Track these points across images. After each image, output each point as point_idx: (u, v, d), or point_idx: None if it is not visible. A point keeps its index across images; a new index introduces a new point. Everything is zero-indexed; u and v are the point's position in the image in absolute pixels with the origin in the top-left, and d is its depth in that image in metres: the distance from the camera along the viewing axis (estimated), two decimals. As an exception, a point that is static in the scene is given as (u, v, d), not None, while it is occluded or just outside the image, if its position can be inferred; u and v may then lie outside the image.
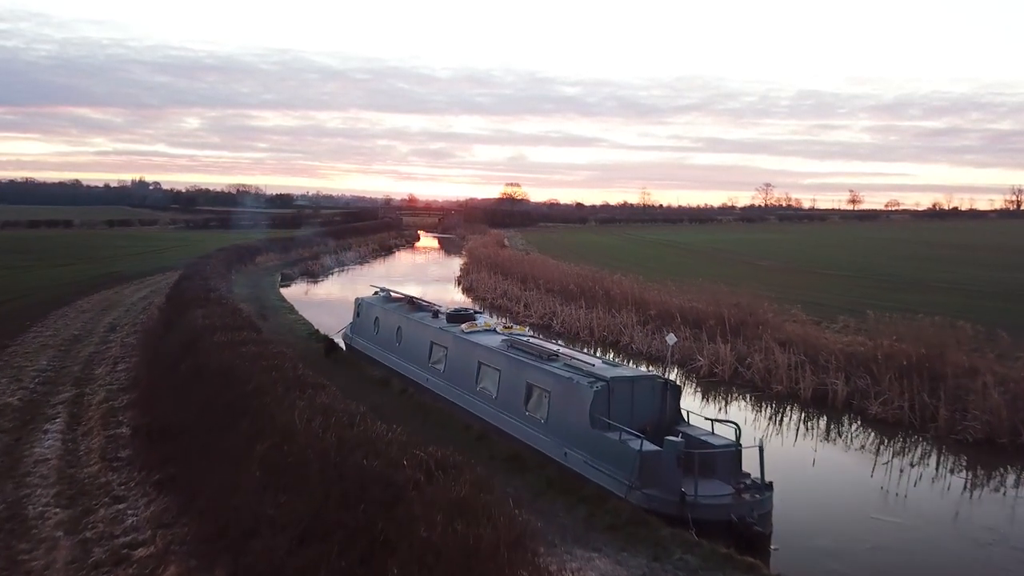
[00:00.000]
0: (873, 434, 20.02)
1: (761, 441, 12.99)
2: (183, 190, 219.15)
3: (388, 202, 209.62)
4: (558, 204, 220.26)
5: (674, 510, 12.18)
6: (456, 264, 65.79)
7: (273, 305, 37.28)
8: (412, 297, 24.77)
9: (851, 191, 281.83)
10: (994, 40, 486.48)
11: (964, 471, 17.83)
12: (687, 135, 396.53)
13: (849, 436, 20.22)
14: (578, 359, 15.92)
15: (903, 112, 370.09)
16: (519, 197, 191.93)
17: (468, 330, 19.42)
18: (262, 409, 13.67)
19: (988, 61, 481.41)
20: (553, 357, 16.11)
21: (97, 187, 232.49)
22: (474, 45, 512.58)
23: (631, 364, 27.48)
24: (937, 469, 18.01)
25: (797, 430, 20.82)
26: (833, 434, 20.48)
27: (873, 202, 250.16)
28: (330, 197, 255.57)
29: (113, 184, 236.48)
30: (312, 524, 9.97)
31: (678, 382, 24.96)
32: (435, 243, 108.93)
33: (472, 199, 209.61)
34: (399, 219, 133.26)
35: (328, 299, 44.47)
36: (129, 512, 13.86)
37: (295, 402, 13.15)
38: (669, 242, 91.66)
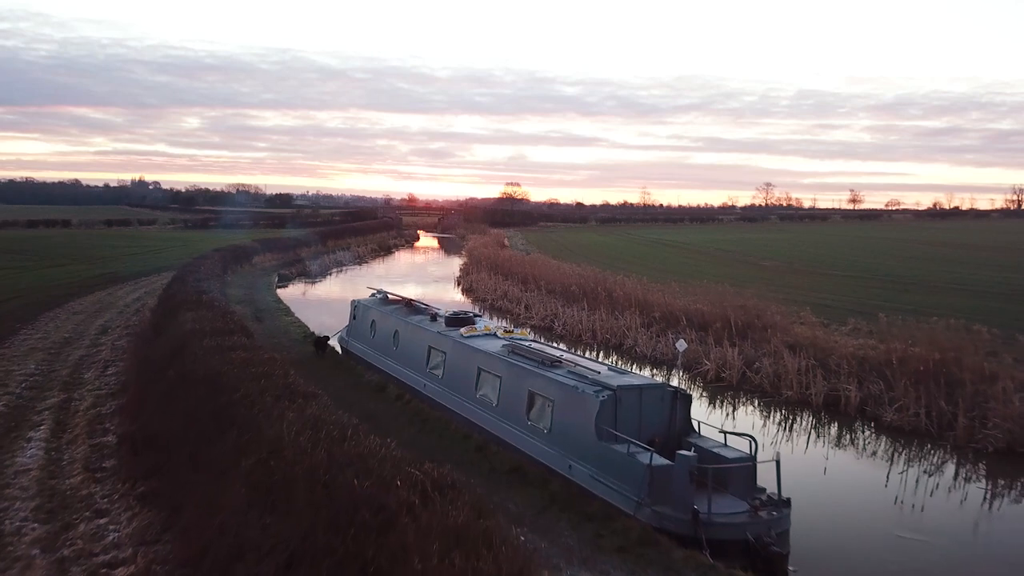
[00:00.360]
0: (889, 442, 19.28)
1: (778, 454, 12.23)
2: (183, 190, 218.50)
3: (388, 202, 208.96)
4: (558, 204, 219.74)
5: (686, 529, 11.44)
6: (456, 264, 65.05)
7: (269, 307, 36.54)
8: (410, 299, 24.01)
9: (851, 190, 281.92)
10: (994, 39, 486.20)
11: (985, 482, 17.08)
12: (687, 135, 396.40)
13: (864, 445, 19.46)
14: (582, 365, 15.16)
15: (903, 111, 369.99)
16: (519, 197, 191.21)
17: (467, 334, 18.66)
18: (250, 420, 12.96)
19: (988, 60, 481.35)
20: (556, 363, 15.36)
21: (97, 187, 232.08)
22: (474, 45, 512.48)
23: (636, 369, 26.77)
24: (957, 480, 17.27)
25: (809, 438, 20.08)
26: (847, 442, 19.72)
27: (873, 201, 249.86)
28: (330, 197, 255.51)
29: (113, 184, 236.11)
30: (299, 549, 9.25)
31: (684, 387, 24.44)
32: (435, 243, 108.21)
33: (472, 199, 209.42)
34: (398, 219, 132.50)
35: (325, 300, 43.76)
36: (111, 527, 13.17)
37: (284, 413, 12.44)
38: (671, 242, 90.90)
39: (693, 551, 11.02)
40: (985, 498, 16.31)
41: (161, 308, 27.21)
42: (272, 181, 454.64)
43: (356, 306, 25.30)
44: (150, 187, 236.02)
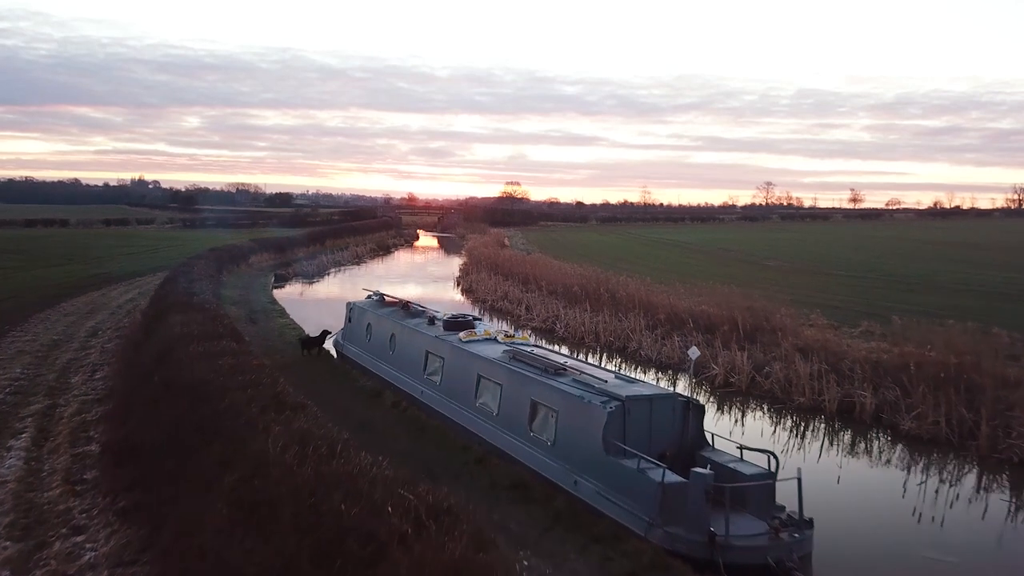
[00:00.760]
0: (908, 452, 18.44)
1: (799, 471, 11.40)
2: (183, 189, 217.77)
3: (388, 201, 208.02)
4: (558, 203, 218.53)
5: (702, 552, 10.61)
6: (455, 264, 64.22)
7: (264, 308, 35.71)
8: (407, 301, 23.15)
9: (852, 190, 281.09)
10: (994, 39, 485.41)
11: (1009, 494, 16.26)
12: (687, 134, 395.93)
13: (882, 455, 18.62)
14: (587, 373, 14.31)
15: (903, 111, 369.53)
16: (519, 196, 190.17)
17: (466, 339, 17.81)
18: (234, 433, 12.16)
19: (988, 60, 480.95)
20: (560, 371, 14.51)
21: (96, 186, 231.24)
22: (474, 44, 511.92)
23: (641, 374, 25.95)
24: (979, 492, 16.45)
25: (822, 446, 19.24)
26: (864, 452, 18.89)
27: (874, 201, 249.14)
28: (330, 196, 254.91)
29: (113, 183, 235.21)
30: (282, 579, 8.46)
31: (692, 394, 23.56)
32: (434, 242, 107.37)
33: (472, 198, 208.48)
34: (398, 218, 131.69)
35: (322, 301, 42.90)
36: (87, 546, 12.40)
37: (270, 426, 11.64)
38: (672, 241, 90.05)
39: (710, 576, 10.22)
40: (1009, 511, 15.50)
41: (150, 311, 26.40)
42: (272, 180, 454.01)
43: (351, 308, 24.45)
44: (150, 186, 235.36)
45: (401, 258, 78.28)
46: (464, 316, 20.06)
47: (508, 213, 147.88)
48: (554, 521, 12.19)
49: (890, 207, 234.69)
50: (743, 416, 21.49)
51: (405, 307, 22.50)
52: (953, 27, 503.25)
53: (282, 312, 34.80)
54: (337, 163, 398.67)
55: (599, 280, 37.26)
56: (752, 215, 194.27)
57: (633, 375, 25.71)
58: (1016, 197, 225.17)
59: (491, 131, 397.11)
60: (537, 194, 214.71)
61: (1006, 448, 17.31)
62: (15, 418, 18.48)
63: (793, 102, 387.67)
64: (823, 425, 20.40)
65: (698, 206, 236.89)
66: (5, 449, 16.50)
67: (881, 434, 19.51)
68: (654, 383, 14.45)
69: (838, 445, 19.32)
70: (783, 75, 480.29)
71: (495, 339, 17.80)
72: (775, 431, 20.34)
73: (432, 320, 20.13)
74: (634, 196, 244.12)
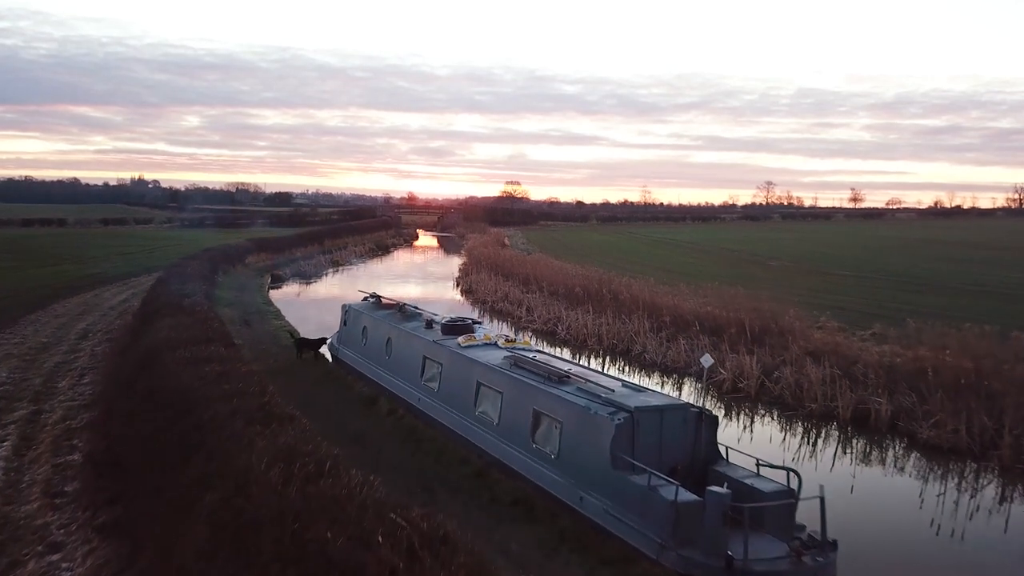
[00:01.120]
0: (927, 462, 17.65)
1: (822, 488, 10.62)
2: (182, 188, 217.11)
3: (387, 200, 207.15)
4: (558, 202, 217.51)
5: (718, 577, 9.85)
6: (455, 263, 63.44)
7: (259, 309, 34.92)
8: (404, 304, 22.35)
9: (852, 189, 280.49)
10: (994, 38, 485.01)
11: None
12: (687, 133, 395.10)
13: (900, 465, 17.83)
14: (593, 381, 13.51)
15: (903, 110, 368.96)
16: (519, 195, 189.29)
17: (465, 344, 17.00)
18: (217, 447, 11.39)
19: (988, 59, 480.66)
20: (564, 379, 13.71)
21: (96, 185, 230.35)
22: (474, 43, 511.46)
23: (646, 378, 25.17)
24: (1002, 504, 15.67)
25: (835, 456, 18.46)
26: (880, 461, 18.12)
27: (874, 200, 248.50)
28: (329, 195, 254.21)
29: (112, 183, 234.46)
30: (261, 615, 7.70)
31: (699, 399, 22.76)
32: (434, 242, 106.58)
33: (472, 197, 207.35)
34: (397, 217, 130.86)
35: (318, 302, 42.07)
36: (63, 566, 11.69)
37: (255, 440, 10.86)
38: (674, 241, 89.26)
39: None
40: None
41: (139, 314, 25.63)
42: (272, 180, 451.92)
43: (347, 311, 23.63)
44: (150, 186, 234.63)
45: (400, 258, 77.48)
46: (463, 319, 19.23)
47: (508, 212, 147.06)
48: (559, 541, 11.42)
49: (890, 206, 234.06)
50: (752, 423, 20.72)
51: (402, 309, 21.71)
52: (953, 27, 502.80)
53: (277, 314, 34.00)
54: (337, 162, 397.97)
55: (601, 281, 36.50)
56: (753, 215, 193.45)
57: (638, 380, 24.97)
58: (1017, 196, 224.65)
59: (491, 130, 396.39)
60: (537, 194, 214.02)
61: (1031, 458, 16.54)
62: (-3, 425, 17.76)
63: (793, 101, 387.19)
64: (837, 433, 19.61)
65: (698, 205, 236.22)
66: (-16, 459, 15.77)
67: (898, 443, 18.72)
68: (663, 392, 13.62)
69: (853, 454, 18.55)
70: (783, 74, 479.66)
71: (495, 344, 16.99)
72: (785, 438, 19.57)
73: (430, 323, 19.33)
74: (634, 196, 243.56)
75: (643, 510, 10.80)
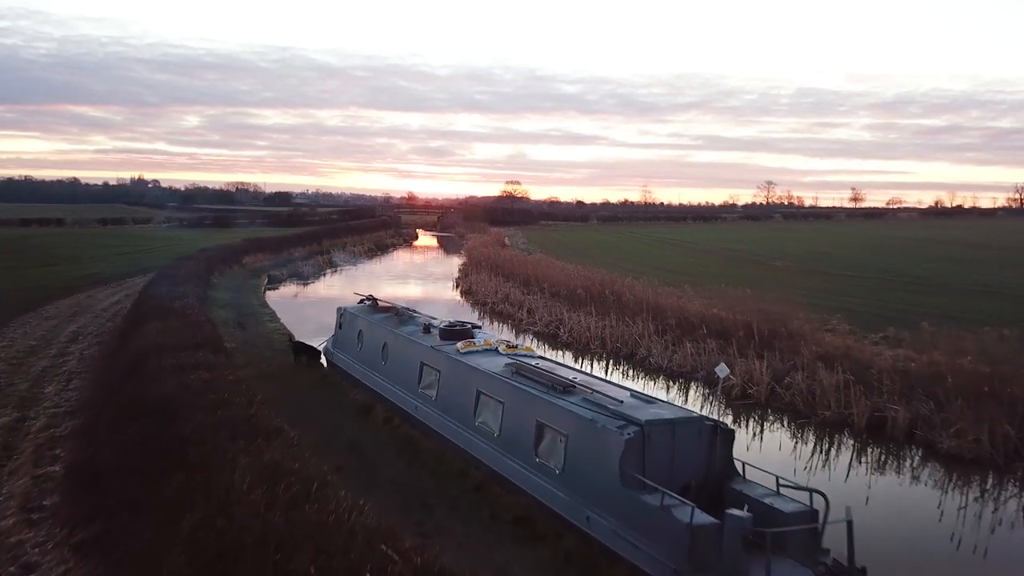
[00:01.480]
0: (947, 473, 16.88)
1: (848, 511, 9.86)
2: (182, 188, 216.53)
3: (387, 200, 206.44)
4: (558, 202, 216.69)
5: (738, 607, 9.10)
6: (454, 264, 62.69)
7: (254, 312, 34.16)
8: (401, 307, 21.58)
9: (853, 189, 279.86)
10: (994, 38, 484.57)
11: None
12: (687, 133, 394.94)
13: (919, 476, 17.05)
14: (599, 391, 12.73)
15: (903, 110, 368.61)
16: (519, 195, 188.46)
17: (465, 350, 16.22)
18: (199, 462, 10.65)
19: (988, 58, 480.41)
20: (569, 388, 12.94)
21: (96, 185, 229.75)
22: (474, 43, 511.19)
23: (651, 383, 24.41)
24: (1030, 519, 14.94)
25: (850, 466, 17.68)
26: (898, 472, 17.34)
27: (874, 200, 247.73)
28: (329, 195, 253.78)
29: (112, 183, 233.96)
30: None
31: (713, 411, 22.02)
32: (434, 242, 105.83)
33: (472, 197, 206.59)
34: (397, 217, 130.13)
35: (315, 304, 41.28)
36: (36, 589, 10.93)
37: (238, 456, 10.12)
38: (676, 241, 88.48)
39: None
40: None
41: (129, 316, 24.89)
42: (272, 180, 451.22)
43: (342, 314, 22.83)
44: (149, 186, 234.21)
45: (399, 258, 76.71)
46: (462, 324, 18.42)
47: (508, 212, 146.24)
48: (565, 563, 10.66)
49: (891, 206, 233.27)
50: (763, 431, 19.97)
51: (399, 313, 20.94)
52: (953, 26, 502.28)
53: (273, 316, 33.25)
54: (337, 162, 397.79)
55: (604, 282, 35.73)
56: (754, 214, 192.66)
57: (642, 385, 24.23)
58: (1018, 196, 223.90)
59: (491, 130, 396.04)
60: (537, 193, 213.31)
61: (1058, 470, 15.78)
62: (-23, 434, 17.04)
63: (793, 101, 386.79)
64: (852, 442, 18.83)
65: (699, 205, 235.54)
66: (-38, 470, 15.07)
67: (916, 453, 17.94)
68: (675, 403, 12.82)
69: (868, 465, 17.78)
70: (783, 74, 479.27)
71: (496, 350, 16.21)
72: (797, 447, 18.82)
73: (428, 328, 18.54)
74: (634, 195, 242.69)
75: (655, 532, 10.04)
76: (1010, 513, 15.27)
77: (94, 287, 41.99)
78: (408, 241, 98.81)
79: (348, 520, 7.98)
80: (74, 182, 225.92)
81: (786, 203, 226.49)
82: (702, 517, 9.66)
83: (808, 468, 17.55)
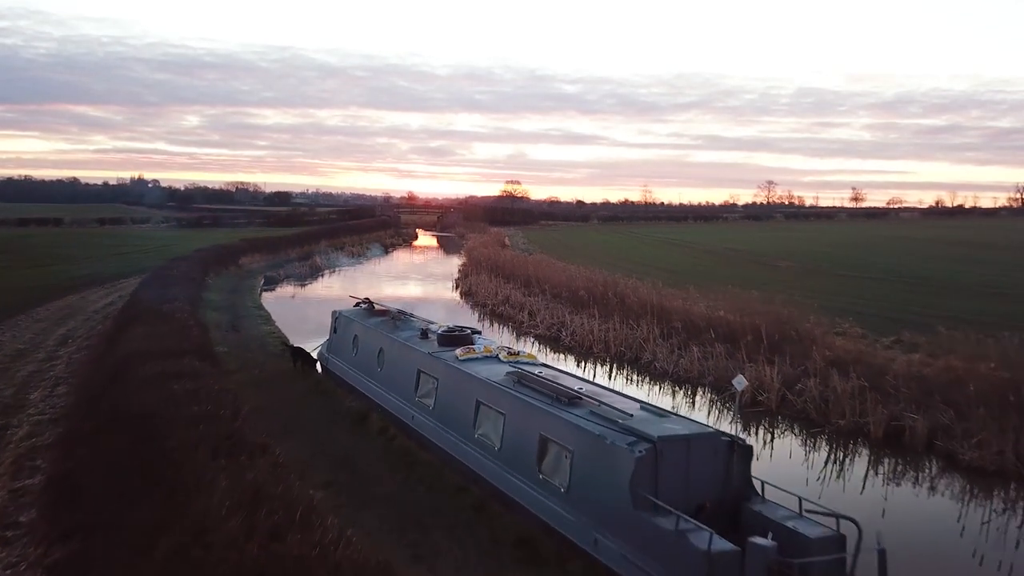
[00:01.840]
0: (969, 486, 16.09)
1: (879, 537, 9.08)
2: (182, 188, 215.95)
3: (387, 200, 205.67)
4: (559, 202, 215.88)
5: (761, 644, 8.32)
6: (454, 264, 61.92)
7: (248, 314, 33.39)
8: (398, 311, 20.78)
9: (854, 188, 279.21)
10: (994, 37, 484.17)
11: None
12: (687, 133, 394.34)
13: (939, 489, 16.25)
14: (606, 402, 11.92)
15: (903, 109, 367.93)
16: (519, 195, 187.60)
17: (464, 357, 15.42)
18: (176, 483, 9.89)
19: (988, 58, 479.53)
20: (575, 400, 12.15)
21: (96, 185, 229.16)
22: (474, 42, 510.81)
23: (656, 388, 23.64)
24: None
25: (866, 478, 16.87)
26: (916, 483, 16.55)
27: (875, 200, 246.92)
28: (329, 195, 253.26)
29: (112, 182, 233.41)
30: None
31: (716, 412, 21.29)
32: (433, 242, 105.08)
33: (472, 197, 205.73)
34: (397, 217, 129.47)
35: (311, 305, 40.48)
36: (5, 615, 10.18)
37: (218, 477, 9.36)
38: (677, 241, 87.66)
39: None
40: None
41: (117, 320, 24.12)
42: (272, 179, 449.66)
43: (337, 318, 22.03)
44: (149, 185, 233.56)
45: (398, 258, 75.93)
46: (461, 329, 17.62)
47: (508, 212, 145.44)
48: (570, 591, 9.91)
49: (891, 206, 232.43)
50: (773, 440, 19.19)
51: (396, 317, 20.16)
52: (953, 26, 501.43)
53: (267, 318, 32.46)
54: (337, 162, 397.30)
55: (607, 283, 34.95)
56: (755, 214, 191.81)
57: (647, 390, 23.41)
58: (1019, 196, 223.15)
59: (491, 130, 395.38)
60: (537, 193, 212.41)
61: (1088, 484, 15.00)
62: (-43, 443, 16.31)
63: (793, 101, 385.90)
64: (868, 452, 18.04)
65: (699, 205, 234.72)
66: (-63, 483, 14.34)
67: (937, 465, 17.13)
68: (685, 415, 11.99)
69: (886, 476, 17.00)
70: (783, 74, 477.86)
71: (497, 357, 15.40)
72: (810, 457, 18.03)
73: (425, 333, 17.75)
74: (634, 195, 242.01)
75: (669, 559, 9.26)
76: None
77: (88, 288, 41.31)
78: (408, 241, 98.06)
79: (334, 553, 7.22)
80: (74, 182, 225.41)
81: (787, 203, 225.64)
82: (721, 544, 8.89)
83: (821, 479, 16.80)
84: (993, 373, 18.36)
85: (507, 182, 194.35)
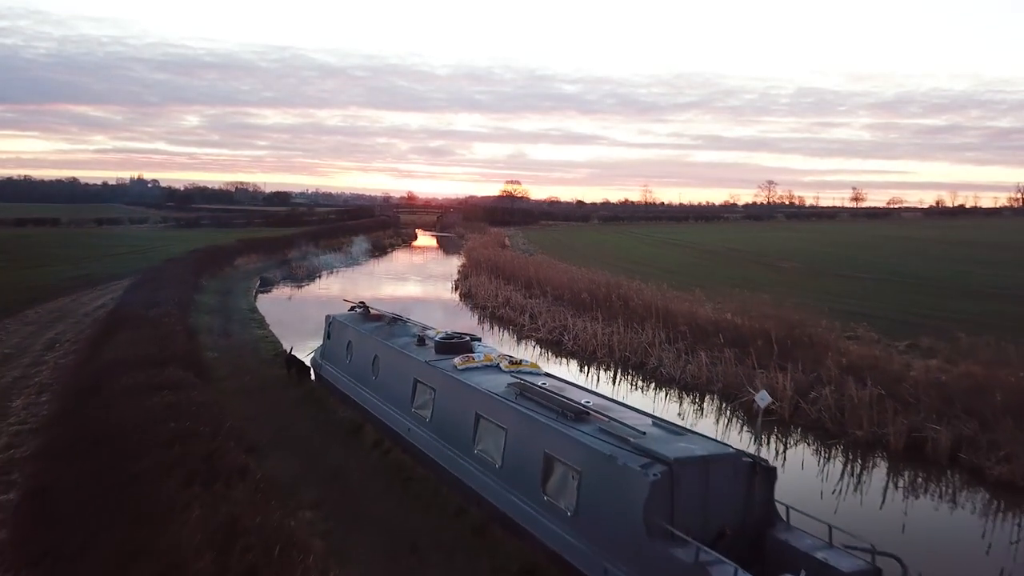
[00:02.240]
0: (997, 503, 15.22)
1: None
2: (181, 188, 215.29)
3: (387, 200, 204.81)
4: (559, 202, 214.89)
5: None
6: (453, 265, 61.05)
7: (242, 317, 32.48)
8: (394, 315, 19.89)
9: (854, 188, 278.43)
10: (994, 37, 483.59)
11: None
12: (687, 132, 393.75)
13: (965, 506, 15.39)
14: (617, 419, 11.02)
15: (903, 109, 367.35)
16: (519, 195, 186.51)
17: (463, 366, 14.53)
18: (147, 512, 9.03)
19: (988, 58, 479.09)
20: (582, 415, 11.27)
21: (95, 185, 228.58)
22: (474, 42, 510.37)
23: (662, 395, 22.79)
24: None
25: (886, 492, 16.03)
26: (940, 500, 15.69)
27: (875, 199, 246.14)
28: (329, 195, 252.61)
29: (112, 182, 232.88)
30: None
31: (724, 420, 20.45)
32: (433, 242, 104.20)
33: (472, 197, 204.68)
34: (396, 217, 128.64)
35: (308, 308, 39.57)
36: (-37, 651, 9.31)
37: (191, 506, 8.50)
38: (679, 241, 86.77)
39: None
40: None
41: (103, 324, 23.24)
42: (272, 179, 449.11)
43: (330, 322, 21.11)
44: (149, 185, 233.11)
45: (397, 259, 75.04)
46: (460, 336, 16.70)
47: (508, 212, 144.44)
48: (579, 630, 9.04)
49: (892, 205, 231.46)
50: (786, 451, 18.32)
51: (392, 322, 19.26)
52: (953, 25, 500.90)
53: (261, 322, 31.54)
54: (337, 162, 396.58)
55: (610, 285, 34.08)
56: (756, 214, 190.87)
57: (653, 397, 22.56)
58: (1020, 196, 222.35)
59: (491, 130, 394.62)
60: (537, 193, 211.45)
61: (1126, 502, 14.14)
62: (-69, 454, 15.47)
63: (793, 100, 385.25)
64: (887, 465, 17.17)
65: (699, 205, 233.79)
66: (-96, 499, 13.49)
67: (961, 478, 16.26)
68: (701, 432, 11.06)
69: (906, 490, 16.13)
70: (783, 73, 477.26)
71: (498, 366, 14.50)
72: (825, 469, 17.18)
73: (422, 340, 16.84)
74: (634, 195, 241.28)
75: (689, 596, 8.40)
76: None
77: (82, 289, 40.45)
78: (407, 241, 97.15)
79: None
80: (73, 182, 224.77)
81: (787, 203, 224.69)
82: (746, 579, 8.02)
83: (837, 492, 15.98)
84: (1016, 381, 17.49)
85: (507, 182, 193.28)
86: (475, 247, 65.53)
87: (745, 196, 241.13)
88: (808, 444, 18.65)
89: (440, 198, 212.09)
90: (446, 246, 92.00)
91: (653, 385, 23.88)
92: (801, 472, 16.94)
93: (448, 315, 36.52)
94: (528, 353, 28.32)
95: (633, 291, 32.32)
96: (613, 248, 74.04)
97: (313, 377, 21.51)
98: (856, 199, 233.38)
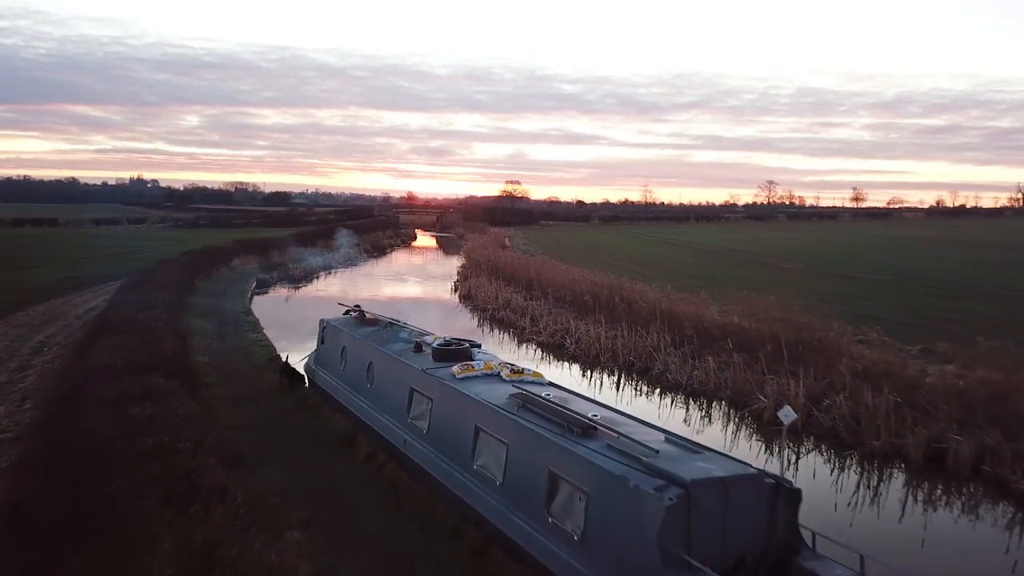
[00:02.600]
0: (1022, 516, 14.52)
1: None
2: (181, 188, 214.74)
3: (387, 200, 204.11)
4: (559, 202, 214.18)
5: None
6: (452, 266, 60.31)
7: (236, 320, 31.72)
8: (391, 320, 19.15)
9: (854, 188, 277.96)
10: (994, 37, 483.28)
11: None
12: (687, 132, 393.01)
13: (988, 520, 14.66)
14: (627, 434, 10.28)
15: (903, 109, 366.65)
16: (519, 195, 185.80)
17: (461, 375, 13.78)
18: (117, 538, 8.30)
19: (988, 58, 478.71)
20: (589, 430, 10.53)
21: (95, 185, 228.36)
22: (474, 42, 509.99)
23: (668, 400, 22.05)
24: None
25: (904, 506, 15.31)
26: (962, 514, 14.98)
27: (875, 199, 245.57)
28: (328, 195, 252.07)
29: (112, 182, 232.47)
30: None
31: (732, 428, 19.71)
32: (432, 242, 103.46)
33: (472, 197, 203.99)
34: (396, 217, 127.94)
35: (305, 309, 38.82)
36: None
37: (163, 534, 7.76)
38: (680, 241, 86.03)
39: None
40: None
41: (90, 328, 22.50)
42: (272, 179, 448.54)
43: (324, 327, 20.35)
44: (148, 185, 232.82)
45: (396, 259, 74.29)
46: (459, 342, 15.94)
47: (508, 212, 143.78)
48: (587, 668, 8.31)
49: (892, 206, 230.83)
50: (798, 462, 17.58)
51: (388, 327, 18.52)
52: (953, 25, 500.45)
53: (255, 325, 30.77)
54: (337, 162, 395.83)
55: (612, 287, 33.33)
56: (757, 214, 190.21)
57: (658, 403, 21.84)
58: (1020, 196, 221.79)
59: (491, 130, 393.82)
60: (537, 193, 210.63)
61: None
62: (-96, 465, 14.69)
63: (793, 100, 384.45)
64: (905, 477, 16.42)
65: (700, 205, 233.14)
66: None
67: (984, 491, 15.52)
68: (722, 451, 10.27)
69: (927, 504, 15.40)
70: (783, 73, 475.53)
71: (499, 375, 13.75)
72: (839, 481, 16.45)
73: (420, 346, 16.08)
74: (634, 195, 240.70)
75: (708, 633, 7.67)
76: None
77: (76, 291, 39.69)
78: (406, 242, 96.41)
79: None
80: (72, 182, 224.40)
81: (787, 203, 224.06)
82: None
83: (854, 504, 15.27)
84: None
85: (507, 182, 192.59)
86: (475, 247, 64.81)
87: (745, 196, 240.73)
88: (821, 454, 17.91)
89: (440, 198, 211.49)
90: (446, 246, 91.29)
91: (658, 391, 23.14)
92: (814, 483, 16.20)
93: (447, 318, 35.81)
94: (529, 356, 27.59)
95: (636, 293, 31.58)
96: (614, 248, 73.30)
97: (307, 384, 20.74)
98: (856, 199, 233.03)
